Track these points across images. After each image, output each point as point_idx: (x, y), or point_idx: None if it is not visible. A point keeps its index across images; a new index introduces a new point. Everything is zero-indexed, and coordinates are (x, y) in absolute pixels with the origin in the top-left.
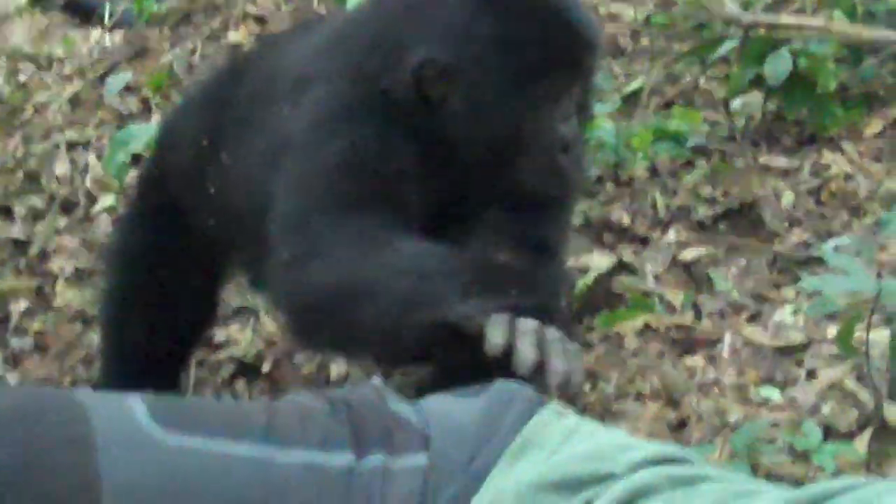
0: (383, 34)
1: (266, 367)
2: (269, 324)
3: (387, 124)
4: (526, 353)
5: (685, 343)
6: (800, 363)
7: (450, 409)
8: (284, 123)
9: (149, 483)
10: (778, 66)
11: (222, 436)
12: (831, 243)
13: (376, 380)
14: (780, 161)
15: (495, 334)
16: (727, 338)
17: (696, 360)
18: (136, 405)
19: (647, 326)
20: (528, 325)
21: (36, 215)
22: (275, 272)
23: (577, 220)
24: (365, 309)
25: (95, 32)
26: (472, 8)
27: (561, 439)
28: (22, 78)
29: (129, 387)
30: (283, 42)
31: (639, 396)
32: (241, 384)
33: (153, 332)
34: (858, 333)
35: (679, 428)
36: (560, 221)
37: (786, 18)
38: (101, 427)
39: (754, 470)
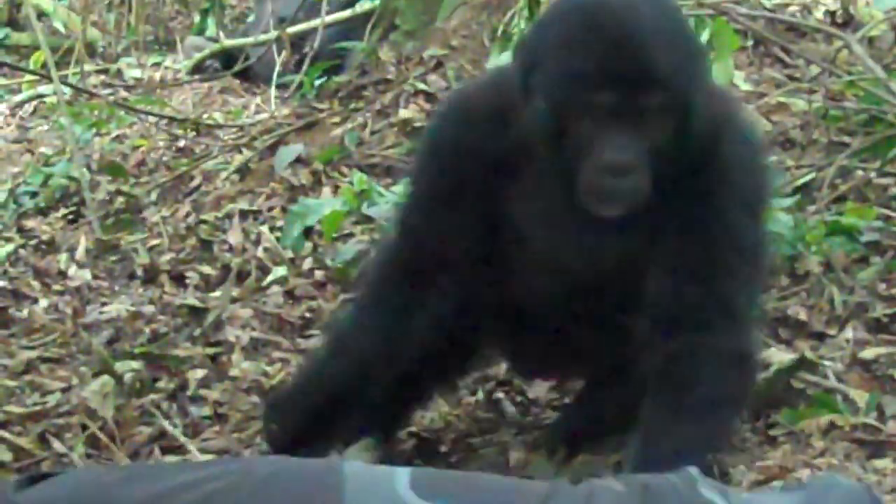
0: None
1: (444, 448)
2: (444, 404)
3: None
4: None
5: (872, 445)
6: None
7: (767, 501)
8: None
9: None
10: None
11: None
12: None
13: (693, 469)
14: None
15: None
16: None
17: (885, 463)
18: (401, 475)
19: (832, 425)
20: None
21: (208, 283)
22: None
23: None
24: None
25: (257, 101)
26: (552, 15)
27: None
28: (182, 143)
29: None
30: None
31: None
32: (419, 464)
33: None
34: None
35: None
36: (741, 278)
37: None
38: (353, 497)
39: None
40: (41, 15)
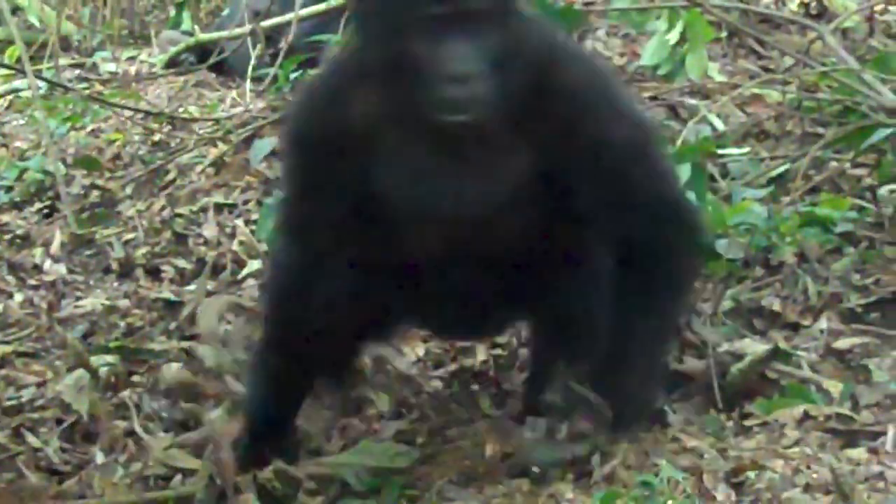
0: None
1: (421, 439)
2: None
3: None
4: None
5: (846, 434)
6: None
7: None
8: None
9: None
10: None
11: None
12: None
13: None
14: None
15: None
16: (890, 431)
17: (859, 453)
18: None
19: (806, 415)
20: None
21: (184, 277)
22: None
23: (727, 304)
24: None
25: (232, 94)
26: None
27: None
28: (157, 137)
29: None
30: None
31: (807, 488)
32: None
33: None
34: None
35: None
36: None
37: None
38: None
39: None
40: (15, 9)
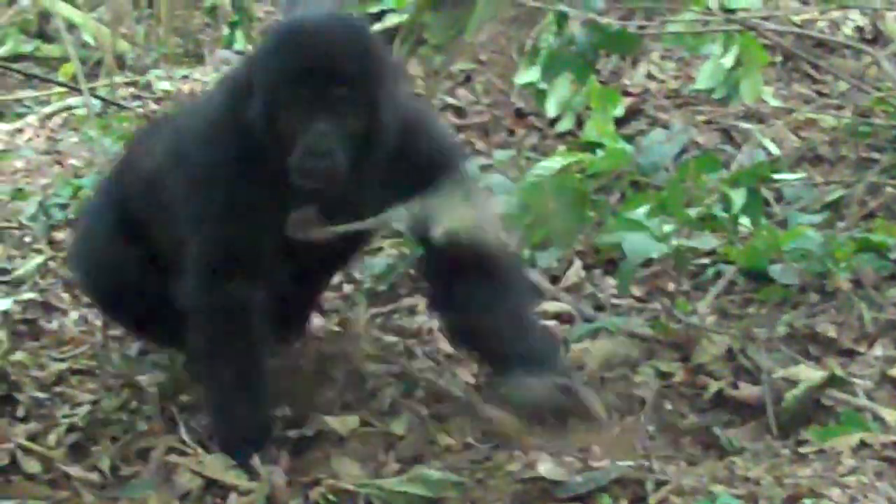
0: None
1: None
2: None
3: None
4: None
5: None
6: None
7: None
8: None
9: None
10: None
11: None
12: None
13: None
14: None
15: None
16: None
17: None
18: None
19: (862, 443)
20: None
21: None
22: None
23: (781, 330)
24: None
25: None
26: (271, 40)
27: None
28: None
29: None
30: None
31: None
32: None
33: None
34: None
35: None
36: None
37: None
38: None
39: None
40: (71, 27)
